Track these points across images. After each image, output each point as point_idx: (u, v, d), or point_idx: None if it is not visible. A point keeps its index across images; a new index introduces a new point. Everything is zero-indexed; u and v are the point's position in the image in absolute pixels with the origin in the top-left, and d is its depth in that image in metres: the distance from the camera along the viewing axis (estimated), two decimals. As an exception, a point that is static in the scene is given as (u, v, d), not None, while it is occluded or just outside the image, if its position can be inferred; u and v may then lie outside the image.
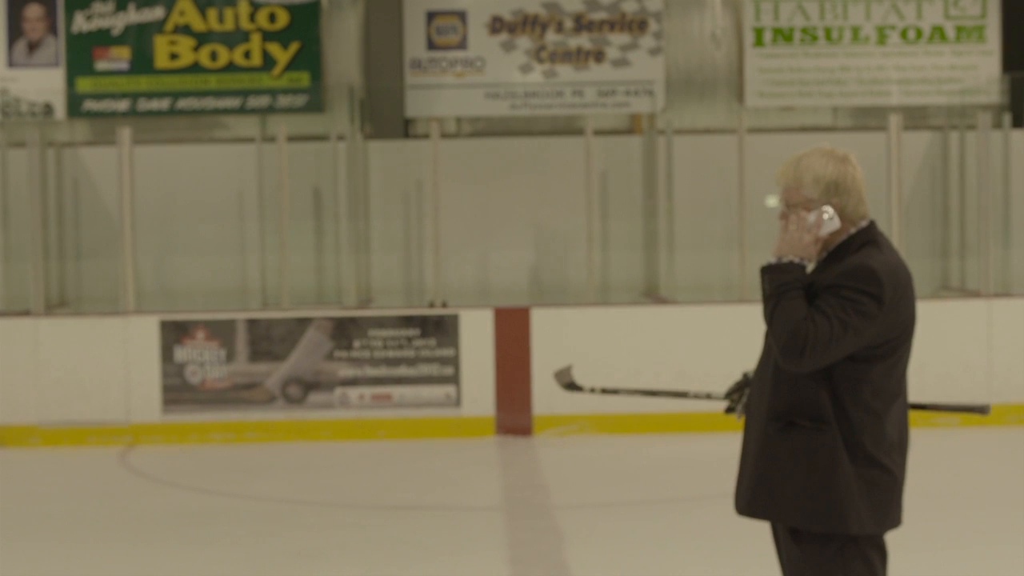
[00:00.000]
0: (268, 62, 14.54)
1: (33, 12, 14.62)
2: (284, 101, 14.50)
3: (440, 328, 11.86)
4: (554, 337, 11.88)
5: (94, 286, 13.70)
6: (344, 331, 11.80)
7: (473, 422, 11.87)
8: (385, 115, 14.37)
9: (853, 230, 3.99)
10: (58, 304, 13.58)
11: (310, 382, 11.78)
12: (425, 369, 11.84)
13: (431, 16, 14.70)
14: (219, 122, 14.68)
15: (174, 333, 11.86)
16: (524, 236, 13.98)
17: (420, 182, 13.76)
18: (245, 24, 14.54)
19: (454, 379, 11.84)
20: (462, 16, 14.72)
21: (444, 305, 12.20)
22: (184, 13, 14.53)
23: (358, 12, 14.71)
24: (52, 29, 14.62)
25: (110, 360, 11.90)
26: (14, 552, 8.10)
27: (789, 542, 4.01)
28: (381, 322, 11.86)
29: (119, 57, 14.60)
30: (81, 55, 14.59)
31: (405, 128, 14.58)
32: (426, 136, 13.67)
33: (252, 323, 11.87)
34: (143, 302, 12.88)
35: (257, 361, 11.84)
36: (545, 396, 11.75)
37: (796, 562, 4.00)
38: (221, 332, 11.86)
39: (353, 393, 11.80)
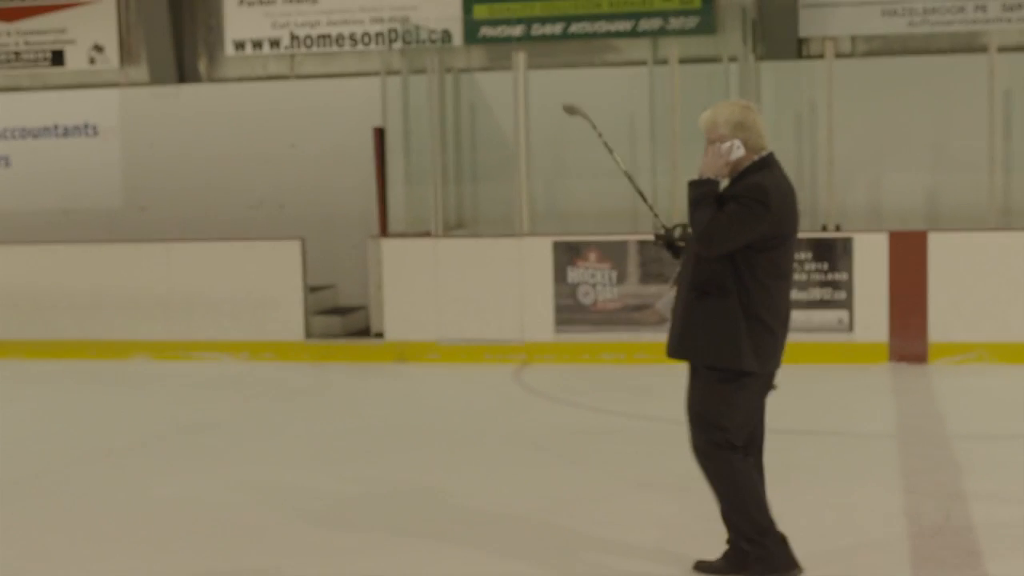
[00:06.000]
0: (660, -16, 14.49)
1: (432, -59, 15.01)
2: (676, 23, 14.42)
3: (833, 251, 11.64)
4: (952, 263, 11.51)
5: (490, 208, 14.05)
6: (734, 254, 11.72)
7: (866, 348, 11.64)
8: (778, 35, 14.10)
9: (755, 157, 5.49)
10: (456, 226, 14.01)
11: (700, 305, 11.75)
12: (817, 293, 11.67)
13: (825, -68, 14.31)
14: (611, 45, 14.75)
15: (567, 254, 12.07)
16: (921, 158, 13.51)
17: (813, 103, 13.48)
18: (637, -54, 14.52)
19: (847, 304, 11.63)
20: (858, -69, 14.27)
21: (837, 228, 11.97)
22: (577, -63, 14.64)
23: (750, -70, 14.46)
24: (450, -43, 14.98)
25: (505, 280, 12.23)
26: (405, 460, 8.46)
27: (699, 378, 5.57)
28: (772, 245, 11.71)
29: (514, -17, 14.84)
30: (478, -18, 14.91)
31: (798, 48, 14.27)
32: (820, 56, 13.38)
33: (643, 245, 11.94)
34: (537, 224, 13.14)
35: (648, 283, 11.92)
36: (941, 323, 11.42)
37: (698, 391, 5.57)
38: (613, 254, 11.99)
39: (743, 316, 11.72)
